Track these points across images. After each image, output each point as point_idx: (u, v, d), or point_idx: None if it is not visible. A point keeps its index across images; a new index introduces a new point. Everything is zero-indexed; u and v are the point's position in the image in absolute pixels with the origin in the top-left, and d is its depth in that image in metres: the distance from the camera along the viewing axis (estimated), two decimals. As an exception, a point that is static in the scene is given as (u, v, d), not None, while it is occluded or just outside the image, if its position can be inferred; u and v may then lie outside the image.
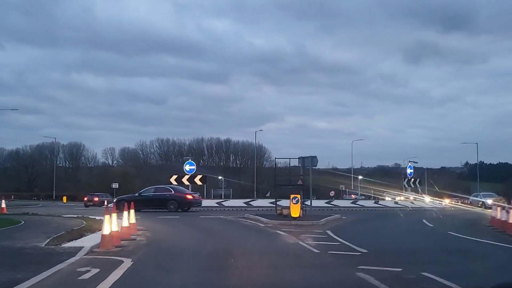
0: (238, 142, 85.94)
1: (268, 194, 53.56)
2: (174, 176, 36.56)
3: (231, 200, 41.38)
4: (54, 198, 62.54)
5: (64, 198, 59.67)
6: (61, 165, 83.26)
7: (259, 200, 40.33)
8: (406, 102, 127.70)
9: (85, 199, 44.50)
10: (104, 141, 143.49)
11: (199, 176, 37.03)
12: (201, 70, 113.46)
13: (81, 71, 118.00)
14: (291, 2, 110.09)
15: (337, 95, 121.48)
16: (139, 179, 68.81)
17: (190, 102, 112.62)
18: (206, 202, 34.13)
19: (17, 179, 73.84)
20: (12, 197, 59.39)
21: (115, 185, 53.62)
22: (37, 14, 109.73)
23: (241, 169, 79.11)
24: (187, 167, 36.88)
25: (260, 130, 75.65)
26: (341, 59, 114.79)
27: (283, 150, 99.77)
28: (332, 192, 58.82)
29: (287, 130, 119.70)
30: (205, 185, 38.81)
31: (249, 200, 39.75)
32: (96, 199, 44.57)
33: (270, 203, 33.34)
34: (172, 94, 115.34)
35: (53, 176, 76.77)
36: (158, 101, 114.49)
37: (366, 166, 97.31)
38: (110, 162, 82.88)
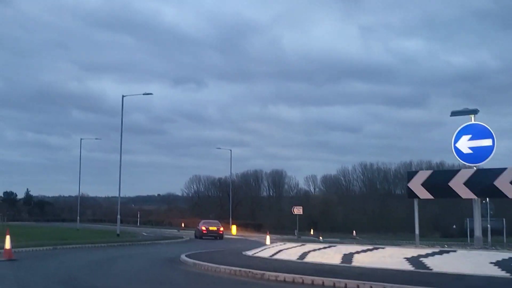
0: (454, 165, 73.74)
1: None
2: (424, 174, 15.44)
3: None
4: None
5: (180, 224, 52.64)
6: (265, 194, 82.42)
7: None
8: None
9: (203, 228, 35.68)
10: (305, 170, 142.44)
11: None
12: (395, 94, 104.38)
13: (276, 103, 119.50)
14: (490, 10, 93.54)
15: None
16: (341, 207, 62.96)
17: (387, 128, 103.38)
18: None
19: (220, 206, 74.67)
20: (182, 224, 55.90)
21: (298, 210, 44.45)
22: (231, 51, 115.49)
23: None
24: (463, 143, 14.69)
25: None
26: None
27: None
28: None
29: (499, 155, 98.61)
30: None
31: None
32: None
33: None
34: (367, 121, 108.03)
35: (255, 204, 76.14)
36: (353, 129, 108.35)
37: None
38: (312, 190, 78.94)
